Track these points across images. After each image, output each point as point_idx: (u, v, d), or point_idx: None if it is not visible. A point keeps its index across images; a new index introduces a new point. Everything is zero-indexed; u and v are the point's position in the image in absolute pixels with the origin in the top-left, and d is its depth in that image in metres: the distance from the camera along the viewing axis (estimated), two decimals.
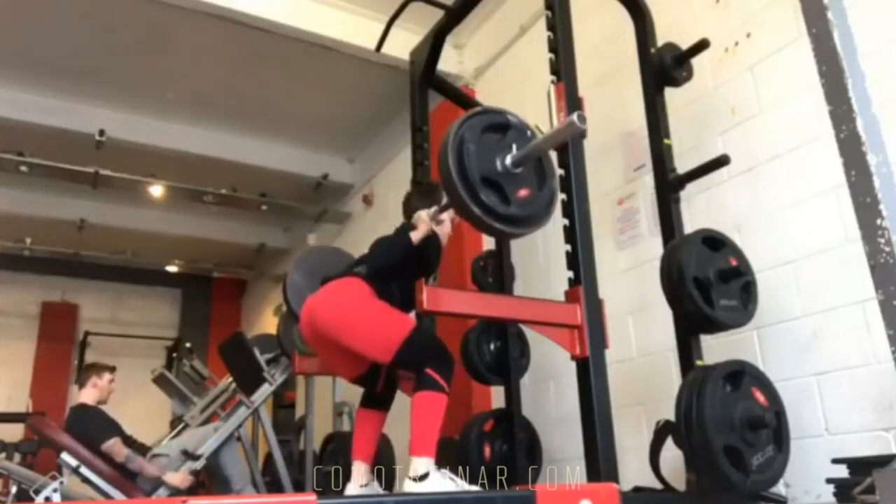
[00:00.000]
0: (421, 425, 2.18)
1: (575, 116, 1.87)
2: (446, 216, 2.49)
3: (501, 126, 2.00)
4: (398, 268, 2.39)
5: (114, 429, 3.79)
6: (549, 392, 3.69)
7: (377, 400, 2.57)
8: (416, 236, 2.35)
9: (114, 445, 3.65)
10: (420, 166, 3.26)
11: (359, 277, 2.38)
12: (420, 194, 2.60)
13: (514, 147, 1.97)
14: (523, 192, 1.98)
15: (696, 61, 2.78)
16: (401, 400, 2.58)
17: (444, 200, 2.40)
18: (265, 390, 4.18)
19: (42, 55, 5.07)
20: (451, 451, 3.04)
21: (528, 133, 2.04)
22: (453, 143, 1.88)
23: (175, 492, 3.61)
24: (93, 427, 3.75)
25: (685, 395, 2.07)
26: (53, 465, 3.63)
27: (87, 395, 4.00)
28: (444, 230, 2.54)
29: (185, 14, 4.40)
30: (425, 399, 2.20)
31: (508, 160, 1.95)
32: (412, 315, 2.41)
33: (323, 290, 2.40)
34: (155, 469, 3.68)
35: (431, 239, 2.42)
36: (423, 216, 2.42)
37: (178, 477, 3.67)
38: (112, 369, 4.18)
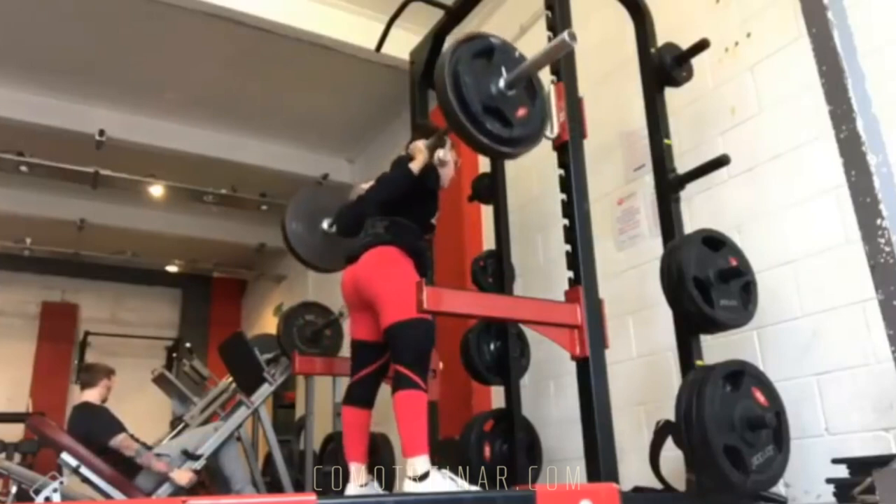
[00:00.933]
0: (407, 425, 2.18)
1: (566, 34, 1.89)
2: (450, 158, 2.57)
3: (488, 50, 2.02)
4: (405, 200, 2.45)
5: (120, 426, 3.82)
6: (549, 392, 3.69)
7: (361, 396, 2.54)
8: (415, 166, 2.43)
9: (123, 440, 3.69)
10: None
11: (390, 246, 2.41)
12: (423, 135, 2.64)
13: (504, 69, 2.00)
14: (521, 112, 2.03)
15: (696, 61, 2.78)
16: None
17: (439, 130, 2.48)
18: (265, 390, 4.18)
19: (42, 55, 5.07)
20: (451, 451, 3.04)
21: (516, 54, 2.07)
22: (449, 78, 1.90)
23: (175, 491, 3.61)
24: (100, 425, 3.78)
25: (685, 395, 2.07)
26: (53, 465, 3.63)
27: (93, 395, 4.02)
28: (448, 173, 2.64)
29: (185, 14, 4.41)
30: (405, 398, 2.20)
31: (502, 83, 1.99)
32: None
33: (365, 257, 2.44)
34: (163, 465, 3.69)
35: (429, 171, 2.49)
36: (419, 146, 2.49)
37: (186, 475, 3.69)
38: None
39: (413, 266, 2.41)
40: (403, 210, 2.45)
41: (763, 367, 2.46)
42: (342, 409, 2.60)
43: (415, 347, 2.28)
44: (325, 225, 3.43)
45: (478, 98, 1.93)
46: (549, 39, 2.42)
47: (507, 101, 1.99)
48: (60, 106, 5.57)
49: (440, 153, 2.51)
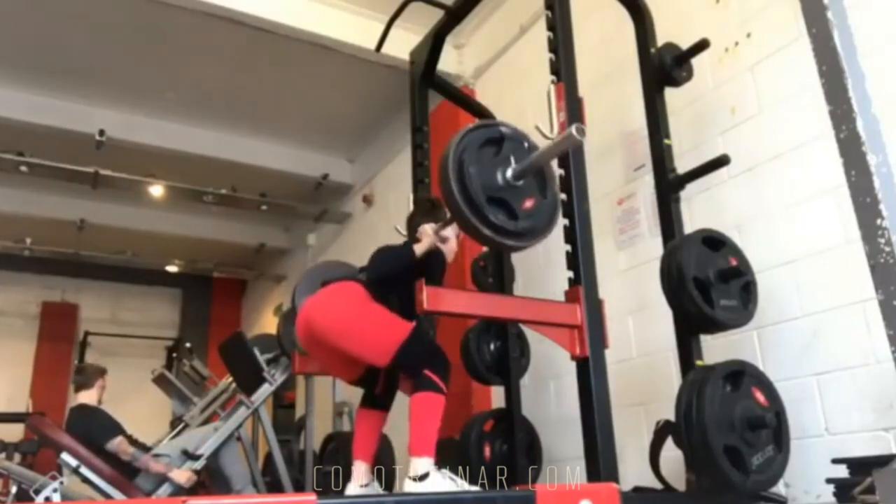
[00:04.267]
0: (420, 426, 2.18)
1: (573, 128, 1.87)
2: (451, 233, 2.51)
3: (496, 139, 1.98)
4: (398, 279, 2.38)
5: (118, 428, 3.81)
6: (549, 392, 3.69)
7: (377, 400, 2.57)
8: (419, 249, 2.36)
9: (120, 444, 3.69)
10: (420, 166, 3.26)
11: (356, 282, 2.38)
12: (424, 212, 2.59)
13: (513, 159, 1.95)
14: (528, 203, 1.98)
15: (696, 61, 2.78)
16: (401, 400, 2.58)
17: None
18: (265, 390, 4.18)
19: (42, 55, 5.07)
20: (451, 451, 3.04)
21: (525, 144, 2.03)
22: (453, 167, 1.86)
23: (175, 491, 3.61)
24: (97, 426, 3.77)
25: (685, 395, 2.07)
26: (53, 465, 3.64)
27: (89, 396, 4.02)
28: (450, 248, 2.56)
29: (185, 14, 4.40)
30: (423, 400, 2.20)
31: (509, 173, 1.94)
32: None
33: (319, 294, 2.39)
34: (161, 466, 3.69)
35: (435, 254, 2.43)
36: (427, 230, 2.44)
37: (185, 474, 3.69)
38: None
39: (370, 299, 2.33)
40: (395, 285, 2.38)
41: (763, 367, 2.46)
42: (357, 409, 2.60)
43: (425, 353, 2.28)
44: None
45: (482, 188, 1.87)
46: (550, 39, 2.43)
47: (514, 191, 1.95)
48: (60, 106, 5.56)
49: (437, 224, 2.44)
